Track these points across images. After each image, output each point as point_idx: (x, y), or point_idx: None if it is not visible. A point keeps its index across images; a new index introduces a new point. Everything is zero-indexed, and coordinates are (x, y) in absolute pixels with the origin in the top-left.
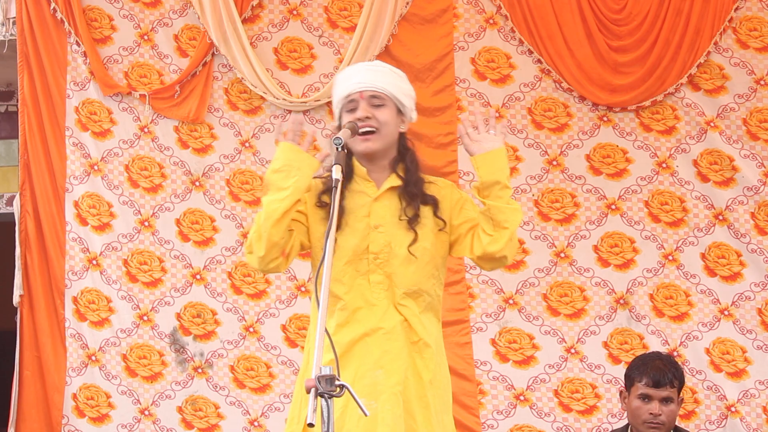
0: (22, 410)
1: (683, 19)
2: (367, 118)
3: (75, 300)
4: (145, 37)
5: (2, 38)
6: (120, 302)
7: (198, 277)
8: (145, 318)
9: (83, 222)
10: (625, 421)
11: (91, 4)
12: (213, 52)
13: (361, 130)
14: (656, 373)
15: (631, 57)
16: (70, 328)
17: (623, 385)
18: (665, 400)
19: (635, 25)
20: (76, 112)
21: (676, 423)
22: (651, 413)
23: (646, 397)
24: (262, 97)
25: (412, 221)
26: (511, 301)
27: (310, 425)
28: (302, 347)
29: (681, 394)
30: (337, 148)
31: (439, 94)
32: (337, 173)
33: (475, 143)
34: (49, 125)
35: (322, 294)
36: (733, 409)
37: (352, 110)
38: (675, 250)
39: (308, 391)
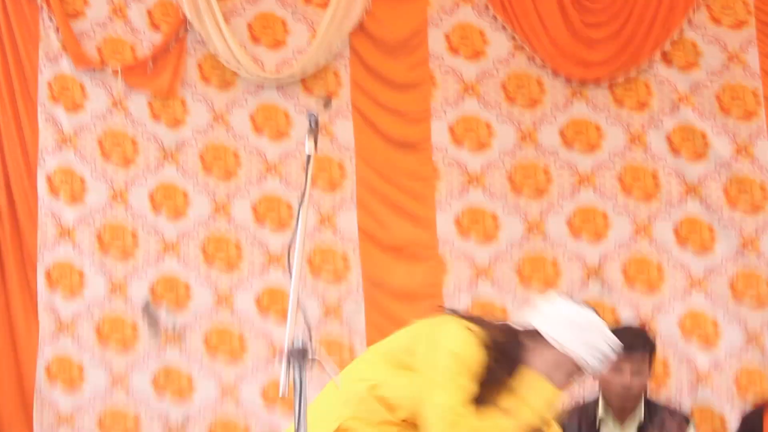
0: None
1: None
2: None
3: (47, 273)
4: (119, 12)
5: None
6: (92, 274)
7: (171, 249)
8: (118, 290)
9: (55, 195)
10: (596, 395)
11: None
12: (187, 28)
13: None
14: (626, 345)
15: (605, 33)
16: (42, 301)
17: None
18: (636, 371)
19: (609, 1)
20: (48, 86)
21: (648, 395)
22: (622, 385)
23: (616, 369)
24: (235, 72)
25: None
26: (483, 276)
27: (283, 396)
28: (273, 316)
29: (652, 366)
30: (310, 124)
31: (414, 70)
32: (309, 149)
33: None
34: (21, 99)
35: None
36: (704, 379)
37: None
38: (648, 224)
39: (281, 362)
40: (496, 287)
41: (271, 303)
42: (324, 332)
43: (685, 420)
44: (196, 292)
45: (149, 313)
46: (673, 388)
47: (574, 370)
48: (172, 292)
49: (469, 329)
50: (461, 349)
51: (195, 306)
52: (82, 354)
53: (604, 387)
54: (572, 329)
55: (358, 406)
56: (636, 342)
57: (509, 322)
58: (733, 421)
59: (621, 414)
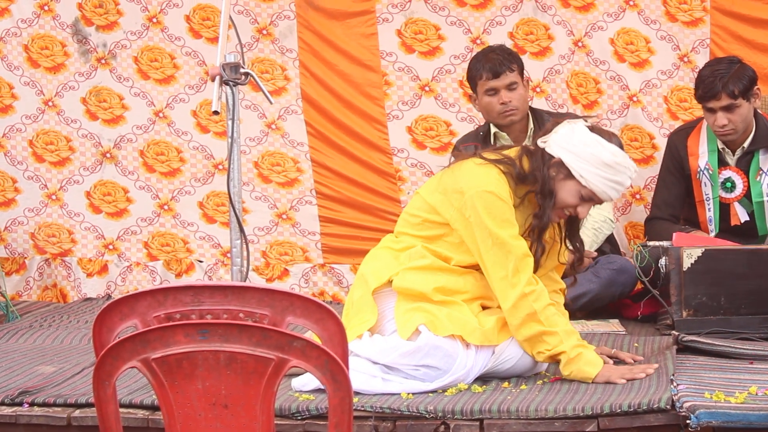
0: None
1: None
2: None
3: None
4: (46, 8)
5: None
6: None
7: None
8: (47, 8)
9: None
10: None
11: None
12: None
13: None
14: (493, 65)
15: None
16: None
17: (471, 90)
18: (510, 87)
19: None
20: None
21: (531, 105)
22: (501, 103)
23: (492, 90)
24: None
25: None
26: None
27: (215, 113)
28: (205, 38)
29: (525, 77)
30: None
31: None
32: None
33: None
34: None
35: None
36: (635, 98)
37: None
38: None
39: (212, 79)
40: (429, 5)
41: (202, 22)
42: (256, 51)
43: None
44: (127, 9)
45: (78, 30)
46: (604, 106)
47: (593, 197)
48: (101, 9)
49: (496, 167)
50: (495, 188)
51: (125, 24)
52: (11, 73)
53: (487, 113)
54: (600, 169)
55: (411, 257)
56: (501, 60)
57: (529, 147)
58: (661, 139)
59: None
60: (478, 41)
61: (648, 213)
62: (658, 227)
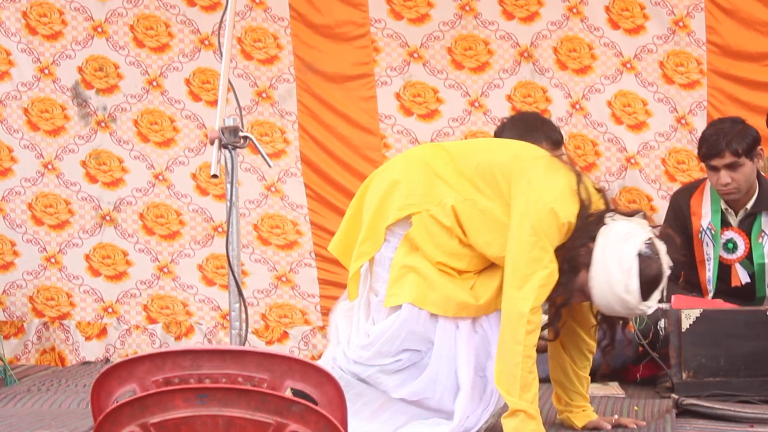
0: None
1: None
2: None
3: None
4: (46, 71)
5: None
6: (20, 55)
7: (99, 30)
8: (47, 71)
9: None
10: None
11: None
12: None
13: None
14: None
15: None
16: None
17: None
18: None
19: None
20: None
21: None
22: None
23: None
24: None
25: None
26: (415, 55)
27: (214, 176)
28: (205, 101)
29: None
30: None
31: None
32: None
33: None
34: None
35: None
36: (633, 160)
37: None
38: (579, 3)
39: (211, 142)
40: (428, 68)
41: (202, 85)
42: (255, 114)
43: None
44: (127, 73)
45: (78, 93)
46: (602, 168)
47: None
48: (101, 72)
49: (576, 193)
50: (560, 209)
51: (125, 88)
52: (10, 136)
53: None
54: (609, 290)
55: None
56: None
57: (596, 216)
58: (659, 200)
59: None
60: (476, 104)
61: None
62: None
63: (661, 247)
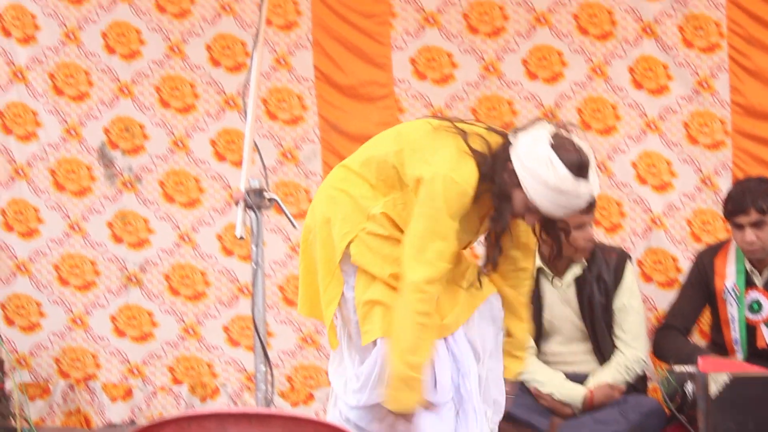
0: None
1: None
2: None
3: (1, 114)
4: (72, 132)
5: None
6: (47, 116)
7: (125, 90)
8: (73, 132)
9: (7, 35)
10: None
11: None
12: None
13: None
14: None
15: None
16: None
17: None
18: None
19: None
20: None
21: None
22: (584, 239)
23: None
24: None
25: None
26: (439, 115)
27: (240, 238)
28: (230, 161)
29: None
30: None
31: None
32: None
33: None
34: None
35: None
36: (657, 221)
37: None
38: (603, 63)
39: (237, 204)
40: None
41: (227, 146)
42: (280, 174)
43: (624, 255)
44: (153, 134)
45: (104, 154)
46: (627, 229)
47: (539, 212)
48: (127, 133)
49: (466, 152)
50: (456, 175)
51: (151, 147)
52: (38, 198)
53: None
54: (546, 188)
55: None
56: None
57: (493, 147)
58: (685, 261)
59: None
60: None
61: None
62: (669, 341)
63: (567, 134)
